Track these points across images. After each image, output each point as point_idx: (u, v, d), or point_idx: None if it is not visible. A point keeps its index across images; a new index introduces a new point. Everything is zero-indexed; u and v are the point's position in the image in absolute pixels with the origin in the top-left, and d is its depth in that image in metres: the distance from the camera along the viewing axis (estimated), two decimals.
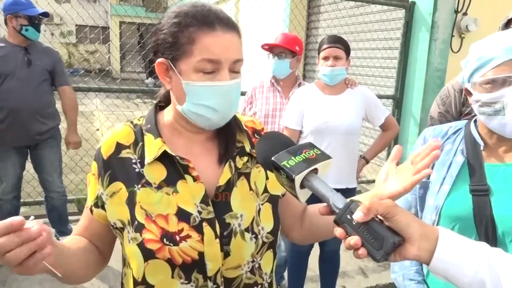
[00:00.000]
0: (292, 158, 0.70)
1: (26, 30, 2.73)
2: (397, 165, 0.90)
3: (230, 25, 0.85)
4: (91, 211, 0.91)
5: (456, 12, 4.30)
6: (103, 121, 6.42)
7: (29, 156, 2.99)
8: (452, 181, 1.12)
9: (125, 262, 0.93)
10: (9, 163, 2.84)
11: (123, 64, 17.07)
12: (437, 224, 1.13)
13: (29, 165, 3.02)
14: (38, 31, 2.80)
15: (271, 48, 2.55)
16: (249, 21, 5.69)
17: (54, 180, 3.03)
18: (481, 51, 1.06)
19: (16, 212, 3.03)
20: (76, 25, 17.13)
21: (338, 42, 2.23)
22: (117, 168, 0.87)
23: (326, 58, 2.22)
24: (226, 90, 0.84)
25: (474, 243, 0.67)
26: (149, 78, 16.00)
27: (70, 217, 3.18)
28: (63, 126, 3.08)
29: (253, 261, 0.90)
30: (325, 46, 2.24)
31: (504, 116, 1.02)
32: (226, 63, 0.83)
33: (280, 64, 2.52)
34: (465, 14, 4.32)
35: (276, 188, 0.96)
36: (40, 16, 2.78)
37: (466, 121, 1.23)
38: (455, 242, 0.66)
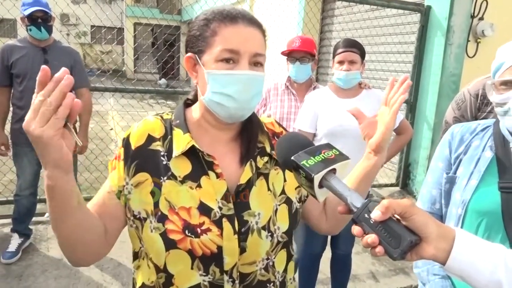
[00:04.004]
0: (311, 158, 0.72)
1: (30, 29, 2.77)
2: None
3: (253, 22, 0.90)
4: (118, 197, 0.89)
5: (472, 17, 4.27)
6: (118, 121, 6.50)
7: None
8: (480, 176, 1.13)
9: (137, 255, 0.94)
10: (25, 160, 2.89)
11: (138, 65, 17.27)
12: (463, 219, 1.14)
13: None
14: (44, 29, 2.77)
15: (290, 52, 2.53)
16: (263, 24, 5.72)
17: None
18: (501, 53, 1.09)
19: (32, 208, 3.08)
20: (92, 26, 17.36)
21: (354, 46, 2.22)
22: (146, 159, 0.89)
23: (341, 62, 2.21)
24: (244, 80, 0.87)
25: (491, 244, 0.68)
26: (162, 79, 16.18)
27: None
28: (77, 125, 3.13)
29: (267, 259, 0.92)
30: (340, 50, 2.23)
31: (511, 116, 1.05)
32: (245, 55, 0.86)
33: (302, 68, 2.51)
34: (481, 19, 4.29)
35: (293, 191, 0.99)
36: (39, 15, 2.72)
37: (493, 119, 1.23)
38: (472, 243, 0.67)
